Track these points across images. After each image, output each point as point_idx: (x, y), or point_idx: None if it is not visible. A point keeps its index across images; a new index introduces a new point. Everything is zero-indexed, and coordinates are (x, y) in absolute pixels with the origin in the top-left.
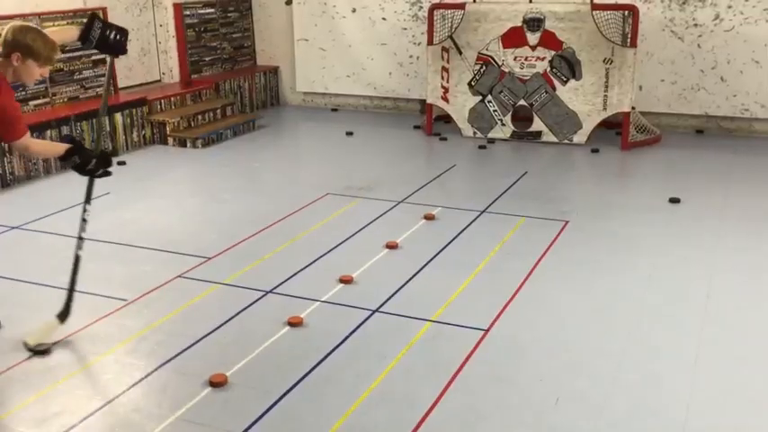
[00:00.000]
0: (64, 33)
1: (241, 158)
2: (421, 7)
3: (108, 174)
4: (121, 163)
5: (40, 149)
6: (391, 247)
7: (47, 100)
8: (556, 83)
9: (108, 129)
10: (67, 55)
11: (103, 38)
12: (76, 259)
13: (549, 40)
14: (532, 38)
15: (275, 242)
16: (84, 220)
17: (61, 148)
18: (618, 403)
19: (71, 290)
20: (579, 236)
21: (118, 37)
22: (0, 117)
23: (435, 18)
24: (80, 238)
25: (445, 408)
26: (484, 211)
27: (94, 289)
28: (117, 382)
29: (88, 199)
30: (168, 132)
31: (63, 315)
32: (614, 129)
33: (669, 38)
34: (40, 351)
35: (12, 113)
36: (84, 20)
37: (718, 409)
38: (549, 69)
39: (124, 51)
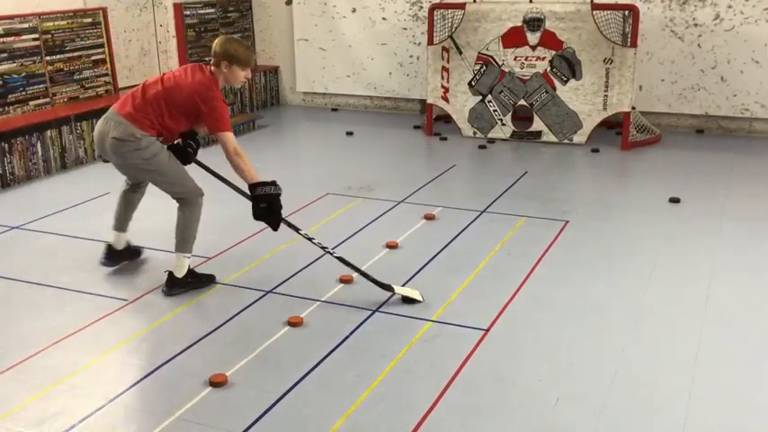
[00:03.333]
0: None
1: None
2: (421, 7)
3: (273, 227)
4: None
5: (244, 156)
6: (391, 247)
7: (47, 100)
8: (556, 83)
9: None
10: (67, 55)
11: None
12: (340, 258)
13: (550, 40)
14: (532, 38)
15: (275, 242)
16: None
17: (256, 174)
18: (618, 403)
19: (367, 275)
20: (579, 236)
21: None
22: (212, 111)
23: (435, 18)
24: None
25: (445, 408)
26: (484, 211)
27: (94, 289)
28: (117, 382)
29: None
30: None
31: (387, 287)
32: (614, 128)
33: (669, 38)
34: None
35: (222, 110)
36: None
37: (718, 409)
38: (549, 69)
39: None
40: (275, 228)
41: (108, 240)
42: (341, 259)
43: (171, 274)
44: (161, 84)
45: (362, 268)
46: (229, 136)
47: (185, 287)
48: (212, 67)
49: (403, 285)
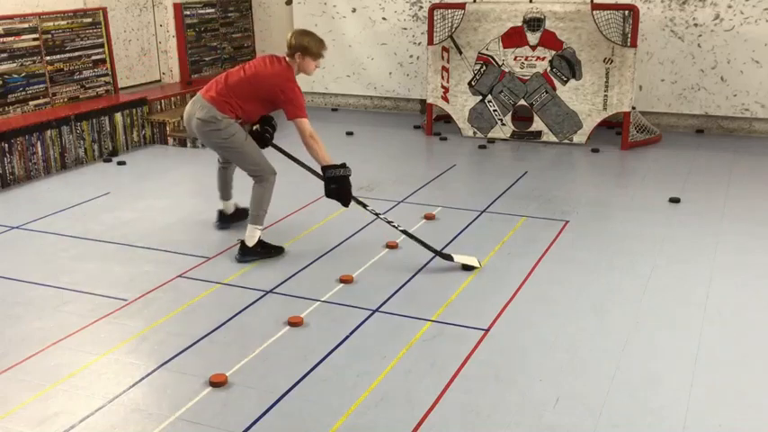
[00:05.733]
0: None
1: None
2: (421, 7)
3: (344, 204)
4: (121, 163)
5: (318, 140)
6: (391, 247)
7: (47, 100)
8: (556, 83)
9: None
10: (67, 55)
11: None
12: (404, 231)
13: (550, 40)
14: (532, 38)
15: (275, 242)
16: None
17: (330, 159)
18: (618, 403)
19: (423, 243)
20: (579, 236)
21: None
22: (291, 99)
23: (435, 18)
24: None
25: (445, 408)
26: (484, 211)
27: (94, 289)
28: (117, 382)
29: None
30: (168, 132)
31: (445, 255)
32: (614, 128)
33: (669, 38)
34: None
35: (299, 98)
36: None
37: (718, 409)
38: (549, 69)
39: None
40: (346, 204)
41: (219, 207)
42: (405, 232)
43: (243, 243)
44: (243, 72)
45: (362, 268)
46: (305, 122)
47: (256, 256)
48: (287, 58)
49: (403, 285)
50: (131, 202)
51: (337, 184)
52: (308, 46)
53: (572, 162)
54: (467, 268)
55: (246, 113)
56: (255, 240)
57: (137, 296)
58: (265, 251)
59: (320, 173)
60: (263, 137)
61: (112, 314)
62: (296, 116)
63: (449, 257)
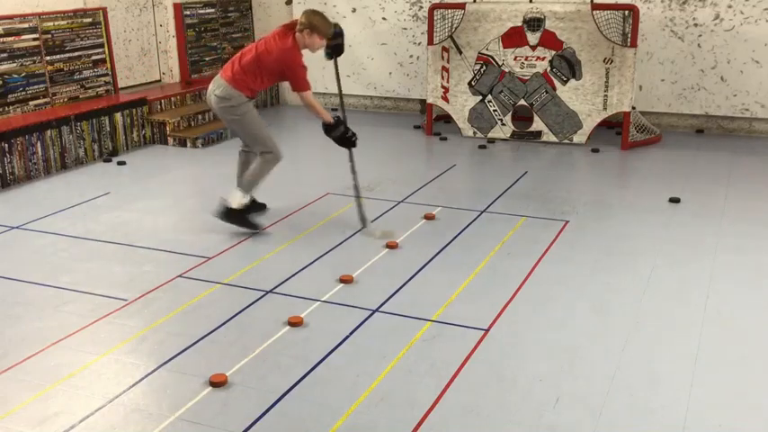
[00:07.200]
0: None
1: None
2: (421, 7)
3: (348, 147)
4: (121, 163)
5: (317, 106)
6: (391, 247)
7: (47, 100)
8: (556, 83)
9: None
10: (67, 55)
11: (343, 135)
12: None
13: (550, 40)
14: (532, 38)
15: (275, 242)
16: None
17: (330, 116)
18: (618, 403)
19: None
20: (579, 236)
21: (353, 138)
22: (295, 73)
23: (435, 18)
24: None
25: (445, 408)
26: (484, 211)
27: (94, 289)
28: (117, 382)
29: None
30: (168, 132)
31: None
32: (614, 128)
33: (669, 38)
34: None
35: (302, 73)
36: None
37: (718, 409)
38: (549, 69)
39: (350, 145)
40: (349, 147)
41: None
42: (358, 197)
43: (226, 203)
44: (255, 50)
45: (362, 268)
46: (308, 94)
47: (233, 219)
48: (297, 33)
49: (403, 285)
50: (131, 202)
51: (337, 137)
52: (318, 25)
53: (572, 162)
54: (385, 236)
55: (258, 87)
56: (236, 205)
57: (137, 296)
58: (243, 220)
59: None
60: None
61: (112, 314)
62: (300, 89)
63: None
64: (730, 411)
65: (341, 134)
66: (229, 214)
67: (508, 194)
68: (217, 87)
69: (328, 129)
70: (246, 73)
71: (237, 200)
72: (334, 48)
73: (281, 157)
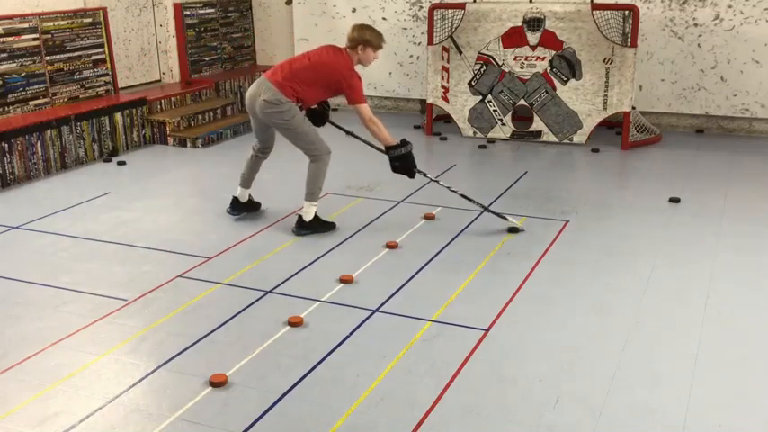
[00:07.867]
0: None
1: (241, 158)
2: (421, 7)
3: (409, 176)
4: (121, 163)
5: (378, 123)
6: (391, 247)
7: (47, 100)
8: (556, 83)
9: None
10: (67, 55)
11: (405, 160)
12: (464, 195)
13: (550, 40)
14: (532, 38)
15: (275, 242)
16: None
17: (391, 139)
18: (618, 403)
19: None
20: (579, 236)
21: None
22: (352, 86)
23: (435, 18)
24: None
25: (445, 408)
26: (484, 211)
27: (94, 289)
28: (117, 382)
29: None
30: (168, 132)
31: (498, 214)
32: (614, 128)
33: (669, 38)
34: None
35: (359, 86)
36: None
37: (718, 409)
38: (549, 69)
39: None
40: (411, 177)
41: (235, 194)
42: (464, 196)
43: (300, 217)
44: (308, 59)
45: (362, 268)
46: (365, 107)
47: (311, 229)
48: (348, 50)
49: (403, 285)
50: (131, 202)
51: (401, 162)
52: (370, 38)
53: (572, 162)
54: (513, 231)
55: (307, 98)
56: (311, 216)
57: (137, 296)
58: (320, 225)
59: (378, 147)
60: (323, 113)
61: (112, 314)
62: (357, 102)
63: (502, 216)
64: (730, 411)
65: (406, 157)
66: (308, 226)
67: (508, 194)
68: (264, 91)
69: (391, 150)
70: (298, 80)
71: (310, 212)
72: (316, 114)
73: (328, 153)
